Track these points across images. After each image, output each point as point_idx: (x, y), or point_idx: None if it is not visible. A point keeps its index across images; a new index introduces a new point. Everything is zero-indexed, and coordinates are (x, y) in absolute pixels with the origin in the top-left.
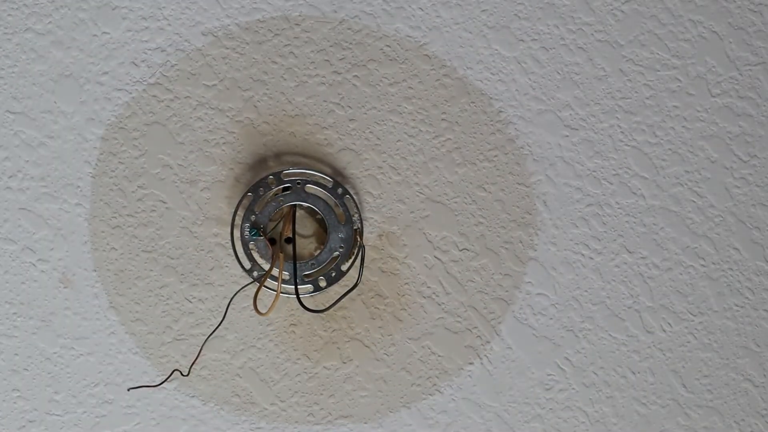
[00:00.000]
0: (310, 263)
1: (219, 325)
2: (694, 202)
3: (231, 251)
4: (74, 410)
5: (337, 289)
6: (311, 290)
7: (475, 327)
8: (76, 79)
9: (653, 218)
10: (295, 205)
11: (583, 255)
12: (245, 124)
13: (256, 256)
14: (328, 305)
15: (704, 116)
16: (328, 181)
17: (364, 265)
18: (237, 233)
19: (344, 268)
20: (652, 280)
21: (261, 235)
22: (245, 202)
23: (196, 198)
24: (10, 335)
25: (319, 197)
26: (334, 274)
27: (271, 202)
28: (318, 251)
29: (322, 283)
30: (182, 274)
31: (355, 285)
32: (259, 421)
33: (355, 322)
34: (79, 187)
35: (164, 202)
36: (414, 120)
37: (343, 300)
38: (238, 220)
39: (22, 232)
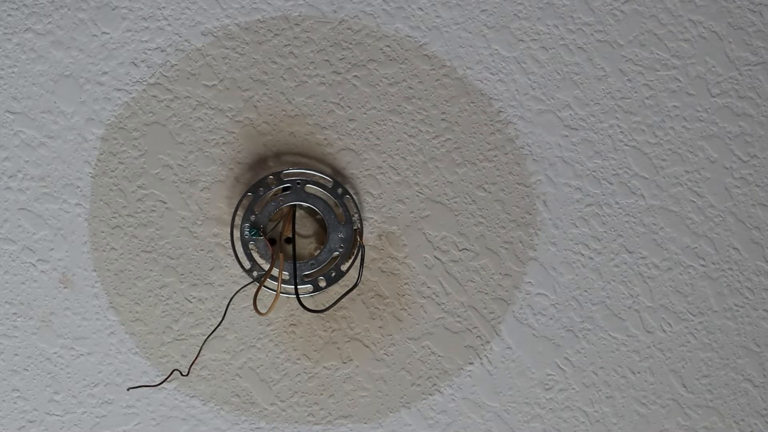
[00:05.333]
0: (309, 263)
1: (219, 325)
2: (694, 202)
3: (231, 251)
4: (74, 410)
5: (337, 289)
6: (311, 290)
7: (475, 327)
8: (76, 79)
9: (653, 218)
10: (295, 205)
11: (583, 255)
12: (245, 124)
13: (255, 256)
14: (328, 305)
15: (704, 116)
16: (328, 181)
17: (364, 265)
18: (237, 233)
19: (344, 268)
20: (652, 280)
21: (261, 235)
22: (245, 202)
23: (196, 198)
24: (10, 335)
25: (319, 197)
26: (333, 274)
27: (271, 202)
28: (318, 251)
29: (322, 283)
30: (182, 274)
31: (355, 285)
32: (259, 421)
33: (355, 322)
34: (79, 187)
35: (164, 202)
36: (414, 120)
37: (343, 300)
38: (238, 220)
39: (22, 232)
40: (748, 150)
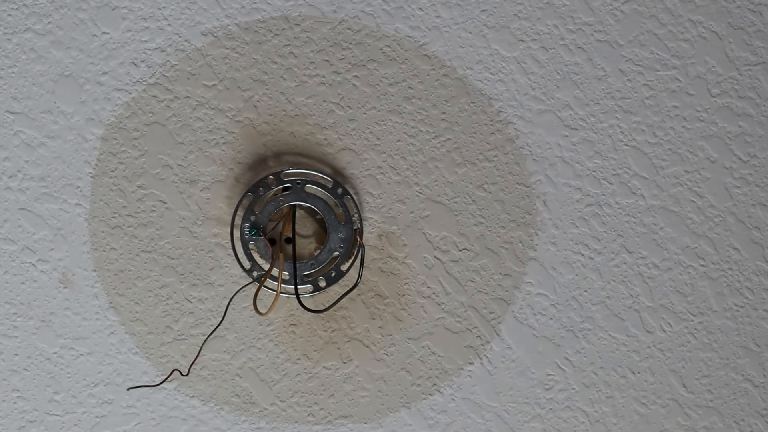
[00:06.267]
0: (309, 263)
1: (219, 325)
2: (694, 202)
3: (231, 251)
4: (74, 410)
5: (337, 289)
6: (311, 290)
7: (475, 327)
8: (76, 79)
9: (653, 218)
10: (295, 205)
11: (583, 255)
12: (245, 124)
13: (255, 256)
14: (328, 305)
15: (704, 116)
16: (328, 181)
17: (364, 265)
18: (237, 233)
19: (344, 268)
20: (652, 280)
21: (261, 235)
22: (245, 202)
23: (196, 198)
24: (10, 335)
25: (319, 197)
26: (333, 274)
27: (271, 202)
28: (318, 251)
29: (322, 283)
30: (182, 274)
31: (355, 285)
32: (259, 421)
33: (355, 322)
34: (79, 187)
35: (164, 202)
36: (414, 120)
37: (343, 300)
38: (238, 220)
39: (22, 232)
40: (748, 150)
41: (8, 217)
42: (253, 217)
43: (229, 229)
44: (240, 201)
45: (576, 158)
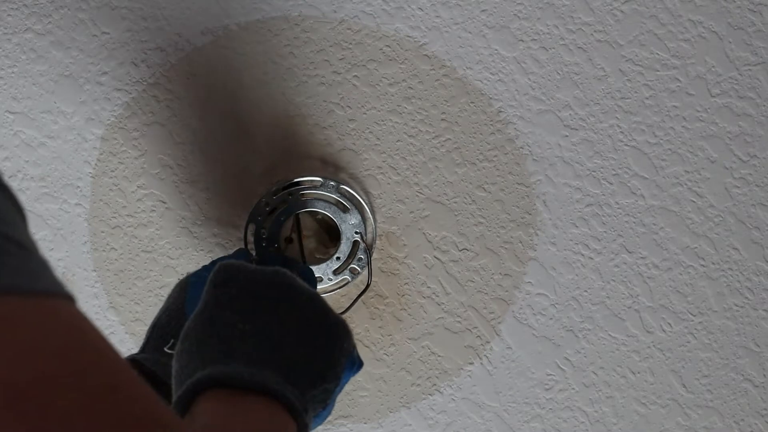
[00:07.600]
0: (316, 267)
1: None
2: (694, 202)
3: (230, 252)
4: None
5: (340, 290)
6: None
7: (475, 327)
8: (76, 79)
9: (653, 218)
10: (298, 210)
11: (582, 255)
12: (245, 125)
13: None
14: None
15: (704, 116)
16: (329, 183)
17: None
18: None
19: (351, 270)
20: (652, 280)
21: (265, 242)
22: (253, 210)
23: (196, 198)
24: None
25: (321, 200)
26: (340, 276)
27: (275, 210)
28: (323, 254)
29: (329, 285)
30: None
31: (367, 287)
32: None
33: (355, 322)
34: (79, 187)
35: (164, 202)
36: (414, 120)
37: (342, 300)
38: (243, 223)
39: None
40: (748, 150)
41: None
42: (254, 225)
43: (229, 230)
44: (250, 212)
45: (576, 158)
